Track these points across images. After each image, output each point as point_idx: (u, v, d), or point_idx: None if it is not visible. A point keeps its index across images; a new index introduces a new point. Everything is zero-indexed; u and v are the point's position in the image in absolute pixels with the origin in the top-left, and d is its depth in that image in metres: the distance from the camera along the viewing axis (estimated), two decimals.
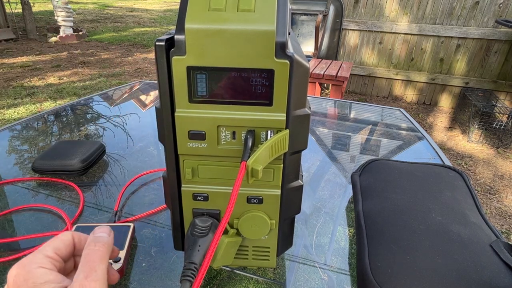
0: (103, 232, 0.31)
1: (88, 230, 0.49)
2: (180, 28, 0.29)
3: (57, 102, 3.32)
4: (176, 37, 0.30)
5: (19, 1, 5.64)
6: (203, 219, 0.37)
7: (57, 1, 5.73)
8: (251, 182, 0.31)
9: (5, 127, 0.89)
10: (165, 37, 0.31)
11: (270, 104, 0.31)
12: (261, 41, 0.29)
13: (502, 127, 2.84)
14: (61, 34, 5.97)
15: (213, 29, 0.29)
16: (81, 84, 3.87)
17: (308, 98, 0.35)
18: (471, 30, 3.26)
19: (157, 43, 0.30)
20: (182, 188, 0.37)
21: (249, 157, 0.31)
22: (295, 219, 0.43)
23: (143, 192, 0.63)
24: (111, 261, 0.44)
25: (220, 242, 0.37)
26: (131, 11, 10.37)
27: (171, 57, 0.30)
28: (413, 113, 3.49)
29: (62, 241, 0.30)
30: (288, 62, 0.30)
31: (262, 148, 0.31)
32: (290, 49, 0.30)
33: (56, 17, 5.98)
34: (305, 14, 3.56)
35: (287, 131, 0.32)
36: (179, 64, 0.30)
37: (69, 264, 0.32)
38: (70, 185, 0.64)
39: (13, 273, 0.27)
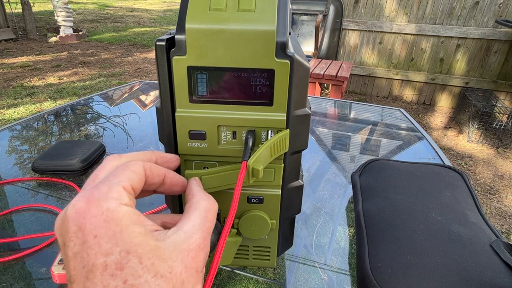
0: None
1: None
2: (181, 28, 0.29)
3: (57, 102, 3.32)
4: (176, 37, 0.30)
5: (19, 1, 5.64)
6: None
7: (57, 1, 5.73)
8: (251, 182, 0.31)
9: (5, 127, 0.89)
10: (165, 37, 0.31)
11: (270, 104, 0.31)
12: (261, 41, 0.29)
13: (502, 127, 2.84)
14: (61, 34, 5.97)
15: (213, 29, 0.29)
16: (81, 84, 3.87)
17: (308, 98, 0.35)
18: (471, 30, 3.26)
19: (157, 43, 0.30)
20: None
21: (249, 157, 0.31)
22: (295, 219, 0.43)
23: None
24: None
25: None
26: (131, 11, 10.36)
27: (171, 57, 0.30)
28: (413, 113, 3.49)
29: (135, 173, 0.24)
30: (289, 62, 0.30)
31: (262, 147, 0.31)
32: (291, 49, 0.30)
33: (56, 17, 5.98)
34: (305, 14, 3.56)
35: (288, 131, 0.32)
36: (179, 64, 0.30)
37: None
38: (70, 185, 0.64)
39: (80, 208, 0.20)
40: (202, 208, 0.25)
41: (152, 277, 0.20)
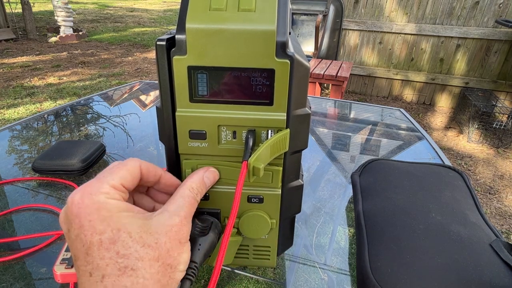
0: (209, 180, 0.31)
1: None
2: (181, 28, 0.29)
3: (57, 102, 3.32)
4: (177, 36, 0.30)
5: (19, 1, 5.64)
6: (203, 218, 0.37)
7: (57, 1, 5.73)
8: (252, 181, 0.32)
9: (5, 127, 0.89)
10: (165, 36, 0.31)
11: (270, 103, 0.31)
12: (261, 41, 0.29)
13: (502, 127, 2.84)
14: (61, 34, 5.97)
15: (214, 28, 0.29)
16: (81, 84, 3.87)
17: (308, 98, 0.35)
18: (471, 30, 3.26)
19: (158, 42, 0.30)
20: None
21: (250, 156, 0.31)
22: (295, 219, 0.43)
23: None
24: None
25: (221, 241, 0.37)
26: (131, 11, 10.37)
27: (172, 57, 0.30)
28: (413, 113, 3.49)
29: (129, 172, 0.28)
30: (289, 62, 0.30)
31: (263, 147, 0.31)
32: (291, 49, 0.30)
33: (56, 17, 5.98)
34: (305, 14, 3.56)
35: (288, 130, 0.33)
36: (180, 64, 0.30)
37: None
38: (70, 185, 0.64)
39: (76, 200, 0.24)
40: (186, 195, 0.29)
41: (141, 247, 0.24)
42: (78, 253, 0.23)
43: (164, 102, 0.32)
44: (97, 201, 0.24)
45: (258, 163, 0.30)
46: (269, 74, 0.30)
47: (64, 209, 0.25)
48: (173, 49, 0.30)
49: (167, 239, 0.25)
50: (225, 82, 0.31)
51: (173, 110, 0.33)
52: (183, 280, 0.30)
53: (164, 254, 0.25)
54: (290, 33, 0.32)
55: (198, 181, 0.31)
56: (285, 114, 0.32)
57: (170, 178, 0.32)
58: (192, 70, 0.30)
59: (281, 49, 0.29)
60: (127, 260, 0.23)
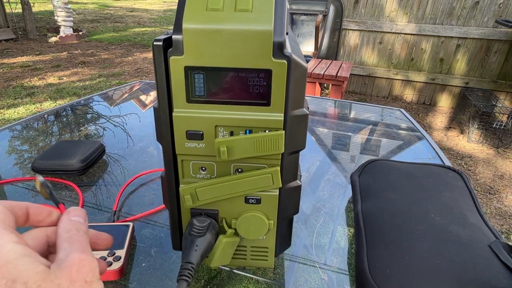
0: (79, 217, 0.28)
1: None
2: (178, 28, 0.29)
3: (57, 102, 3.32)
4: (173, 37, 0.30)
5: (19, 1, 5.64)
6: (200, 219, 0.37)
7: (57, 1, 5.74)
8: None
9: (5, 127, 0.89)
10: (162, 37, 0.31)
11: (268, 104, 0.31)
12: (258, 41, 0.29)
13: (502, 127, 2.84)
14: (61, 34, 5.97)
15: (210, 29, 0.29)
16: (81, 84, 3.87)
17: (306, 98, 0.35)
18: (471, 30, 3.26)
19: (154, 43, 0.30)
20: (180, 188, 0.37)
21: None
22: (295, 219, 0.43)
23: (143, 192, 0.63)
24: (111, 259, 0.44)
25: (218, 242, 0.37)
26: (131, 11, 10.37)
27: (168, 57, 0.30)
28: (413, 113, 3.49)
29: (15, 203, 0.26)
30: (286, 62, 0.30)
31: (240, 137, 0.32)
32: (288, 49, 0.30)
33: (56, 17, 5.99)
34: (305, 14, 3.56)
35: (281, 132, 0.32)
36: (176, 64, 0.30)
37: None
38: (70, 185, 0.64)
39: None
40: (68, 229, 0.26)
41: None
42: None
43: (161, 102, 0.32)
44: None
45: (223, 145, 0.31)
46: (266, 74, 0.30)
47: None
48: (170, 49, 0.30)
49: (70, 283, 0.22)
50: (222, 83, 0.31)
51: (170, 110, 0.33)
52: (179, 281, 0.30)
53: None
54: (287, 33, 0.32)
55: (68, 222, 0.27)
56: (282, 114, 0.32)
57: (37, 207, 0.29)
58: (189, 71, 0.30)
59: (278, 49, 0.29)
60: None
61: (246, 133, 0.33)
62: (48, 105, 3.22)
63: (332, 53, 3.69)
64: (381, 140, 0.91)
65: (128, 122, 0.94)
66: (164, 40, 0.30)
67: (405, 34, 3.50)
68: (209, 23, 0.29)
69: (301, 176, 0.40)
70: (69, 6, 5.96)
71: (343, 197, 0.64)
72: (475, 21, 3.24)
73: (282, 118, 0.32)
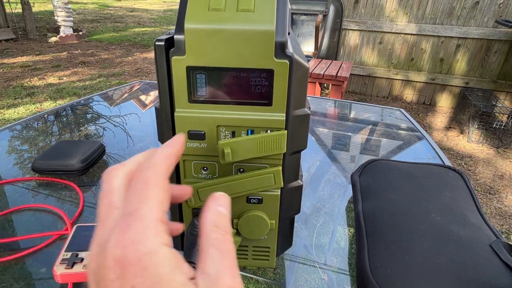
0: (225, 208, 0.22)
1: (88, 230, 0.49)
2: (180, 28, 0.29)
3: (57, 102, 3.32)
4: (175, 37, 0.30)
5: (19, 1, 5.64)
6: None
7: (57, 1, 5.73)
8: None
9: (5, 127, 0.89)
10: (164, 37, 0.31)
11: (269, 104, 0.31)
12: (260, 41, 0.29)
13: (502, 127, 2.84)
14: (61, 34, 5.97)
15: (212, 29, 0.29)
16: (81, 84, 3.87)
17: (308, 98, 0.35)
18: (471, 30, 3.26)
19: (156, 43, 0.30)
20: None
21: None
22: (295, 219, 0.43)
23: None
24: None
25: None
26: (131, 11, 10.36)
27: (170, 57, 0.30)
28: (413, 113, 3.49)
29: (163, 189, 0.20)
30: (288, 62, 0.30)
31: (243, 138, 0.32)
32: (290, 49, 0.30)
33: (56, 17, 5.98)
34: (305, 14, 3.56)
35: (284, 132, 0.32)
36: (178, 64, 0.30)
37: None
38: (70, 185, 0.64)
39: (117, 254, 0.17)
40: (215, 238, 0.21)
41: None
42: None
43: (163, 102, 0.32)
44: (144, 253, 0.17)
45: (227, 146, 0.31)
46: (268, 74, 0.30)
47: (96, 260, 0.18)
48: (172, 49, 0.30)
49: None
50: (224, 83, 0.31)
51: (172, 110, 0.33)
52: None
53: None
54: (289, 33, 0.32)
55: (217, 214, 0.22)
56: (284, 114, 0.32)
57: (179, 189, 0.25)
58: (191, 71, 0.30)
59: (280, 49, 0.29)
60: None
61: (248, 133, 0.33)
62: (48, 105, 3.22)
63: (332, 53, 3.69)
64: (381, 140, 0.91)
65: (128, 122, 0.94)
66: (166, 40, 0.30)
67: (405, 34, 3.50)
68: (211, 23, 0.29)
69: (302, 176, 0.40)
70: (69, 6, 5.96)
71: (343, 197, 0.64)
72: (475, 21, 3.24)
73: (284, 118, 0.32)
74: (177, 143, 0.24)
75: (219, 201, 0.22)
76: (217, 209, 0.22)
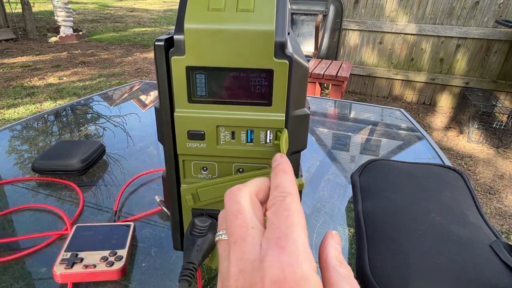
0: (340, 247, 0.23)
1: (88, 230, 0.49)
2: (179, 28, 0.29)
3: (57, 102, 3.32)
4: (175, 37, 0.30)
5: (19, 1, 5.64)
6: (202, 219, 0.37)
7: (57, 1, 5.74)
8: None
9: (5, 127, 0.89)
10: (164, 37, 0.31)
11: (269, 104, 0.31)
12: (260, 41, 0.29)
13: (502, 127, 2.84)
14: (61, 34, 5.97)
15: (212, 29, 0.29)
16: (81, 84, 3.87)
17: (308, 98, 0.35)
18: (471, 30, 3.26)
19: (156, 43, 0.30)
20: (181, 188, 0.37)
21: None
22: None
23: (143, 192, 0.63)
24: (113, 259, 0.44)
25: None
26: (131, 11, 10.37)
27: (170, 57, 0.30)
28: (413, 113, 3.49)
29: (302, 214, 0.21)
30: (288, 62, 0.30)
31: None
32: (290, 49, 0.30)
33: (56, 17, 5.99)
34: (305, 14, 3.56)
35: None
36: (178, 64, 0.30)
37: None
38: (70, 185, 0.64)
39: (275, 275, 0.17)
40: (342, 273, 0.21)
41: None
42: None
43: (162, 102, 0.32)
44: (301, 277, 0.17)
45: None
46: (268, 74, 0.30)
47: (246, 277, 0.19)
48: (172, 49, 0.30)
49: None
50: (223, 83, 0.31)
51: (172, 110, 0.33)
52: (181, 281, 0.30)
53: None
54: (289, 33, 0.32)
55: (337, 251, 0.23)
56: (284, 114, 0.32)
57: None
58: (191, 71, 0.30)
59: (280, 49, 0.29)
60: None
61: (247, 133, 0.33)
62: (48, 105, 3.22)
63: (332, 53, 3.69)
64: (381, 140, 0.91)
65: (128, 122, 0.94)
66: (166, 40, 0.30)
67: (405, 34, 3.50)
68: (211, 23, 0.29)
69: (302, 176, 0.40)
70: (69, 6, 5.96)
71: (343, 197, 0.64)
72: (475, 21, 3.24)
73: (284, 118, 0.32)
74: (290, 167, 0.25)
75: (336, 239, 0.23)
76: (336, 247, 0.23)
